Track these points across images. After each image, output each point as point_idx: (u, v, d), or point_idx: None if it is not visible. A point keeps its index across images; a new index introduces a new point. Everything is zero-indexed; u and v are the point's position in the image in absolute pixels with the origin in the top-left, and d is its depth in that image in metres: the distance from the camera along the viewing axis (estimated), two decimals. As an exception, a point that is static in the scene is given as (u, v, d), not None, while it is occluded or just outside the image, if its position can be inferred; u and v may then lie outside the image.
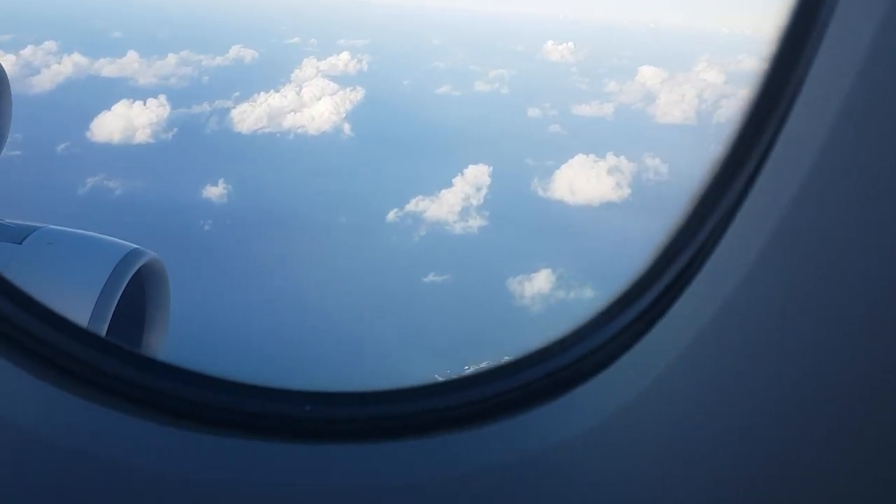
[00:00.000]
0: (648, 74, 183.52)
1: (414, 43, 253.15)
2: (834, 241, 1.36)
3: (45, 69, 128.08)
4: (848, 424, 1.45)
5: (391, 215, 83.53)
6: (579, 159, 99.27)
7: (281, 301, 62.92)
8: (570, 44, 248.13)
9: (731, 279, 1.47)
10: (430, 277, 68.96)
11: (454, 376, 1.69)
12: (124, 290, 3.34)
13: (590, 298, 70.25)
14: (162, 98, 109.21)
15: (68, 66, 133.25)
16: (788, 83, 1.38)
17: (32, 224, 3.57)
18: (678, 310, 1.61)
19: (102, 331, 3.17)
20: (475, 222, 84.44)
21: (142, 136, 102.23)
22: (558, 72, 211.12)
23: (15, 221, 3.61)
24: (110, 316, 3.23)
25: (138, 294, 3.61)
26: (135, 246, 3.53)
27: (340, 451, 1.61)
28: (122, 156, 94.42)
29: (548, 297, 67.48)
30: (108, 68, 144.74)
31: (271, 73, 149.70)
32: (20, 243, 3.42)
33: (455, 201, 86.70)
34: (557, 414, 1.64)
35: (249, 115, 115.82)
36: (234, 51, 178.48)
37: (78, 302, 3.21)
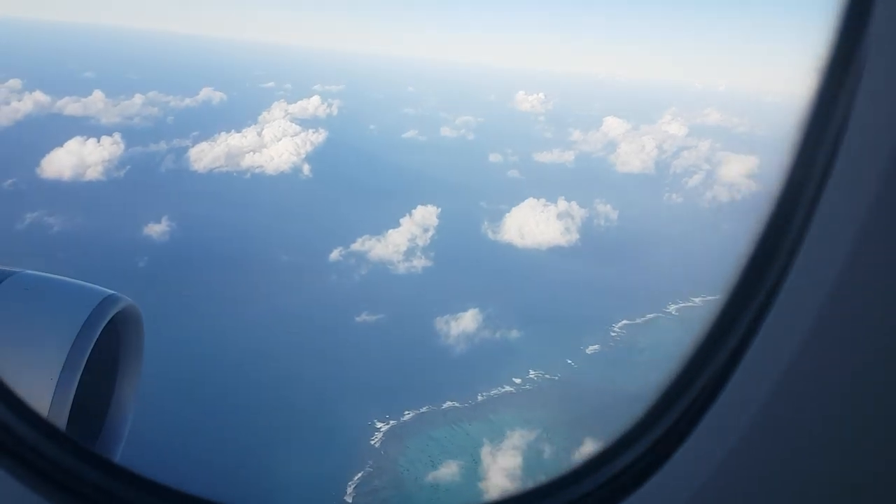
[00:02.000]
0: (612, 125, 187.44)
1: (388, 90, 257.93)
2: (850, 372, 1.31)
3: (5, 106, 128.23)
4: None
5: (335, 254, 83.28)
6: (530, 203, 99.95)
7: (205, 341, 61.86)
8: (541, 94, 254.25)
9: (743, 416, 1.41)
10: (363, 317, 68.45)
11: (500, 497, 1.68)
12: (99, 336, 3.27)
13: (515, 338, 70.00)
14: (116, 136, 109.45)
15: (28, 103, 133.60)
16: (791, 233, 1.34)
17: (8, 269, 3.51)
18: (707, 423, 1.52)
19: (76, 378, 3.12)
20: (420, 262, 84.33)
21: (93, 174, 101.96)
22: (526, 120, 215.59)
23: None
24: (84, 362, 3.16)
25: (113, 340, 3.57)
26: (111, 292, 3.45)
27: None
28: (70, 193, 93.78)
29: (472, 337, 67.03)
30: (71, 106, 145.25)
31: (238, 115, 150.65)
32: None
33: (401, 241, 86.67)
34: None
35: (207, 154, 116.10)
36: (204, 93, 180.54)
37: (52, 348, 3.15)
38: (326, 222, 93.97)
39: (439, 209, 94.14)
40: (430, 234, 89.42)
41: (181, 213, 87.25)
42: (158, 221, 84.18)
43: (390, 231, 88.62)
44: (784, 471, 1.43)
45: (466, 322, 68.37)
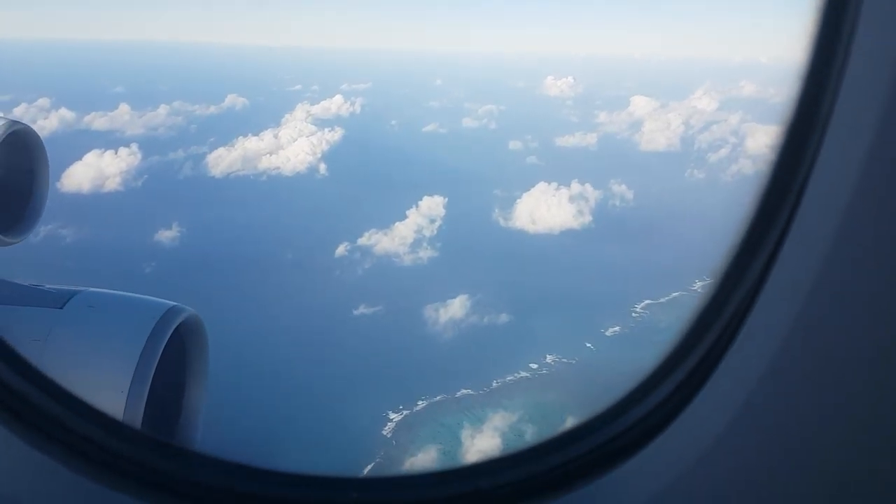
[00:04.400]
0: (640, 104, 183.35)
1: (415, 85, 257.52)
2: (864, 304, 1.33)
3: (32, 125, 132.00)
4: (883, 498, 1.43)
5: (341, 249, 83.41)
6: (541, 188, 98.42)
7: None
8: (570, 78, 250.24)
9: (761, 360, 1.43)
10: (361, 310, 68.33)
11: (490, 457, 1.67)
12: (165, 347, 3.46)
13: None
14: (133, 146, 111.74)
15: (54, 121, 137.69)
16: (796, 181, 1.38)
17: (73, 288, 3.72)
18: (709, 389, 1.55)
19: (145, 389, 3.28)
20: (426, 253, 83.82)
21: (112, 185, 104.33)
22: (553, 105, 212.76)
23: (56, 286, 3.77)
24: (152, 374, 3.33)
25: (179, 350, 3.74)
26: (173, 303, 3.65)
27: None
28: (87, 205, 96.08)
29: (459, 323, 66.27)
30: (98, 121, 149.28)
31: (262, 119, 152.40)
32: (61, 308, 3.57)
33: (407, 234, 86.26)
34: (590, 499, 1.59)
35: (224, 160, 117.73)
36: (229, 100, 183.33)
37: (120, 362, 3.33)
38: (335, 219, 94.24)
39: (446, 199, 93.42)
40: (437, 224, 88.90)
41: (192, 218, 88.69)
42: (169, 227, 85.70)
43: (397, 224, 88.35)
44: (776, 449, 1.46)
45: (456, 309, 67.64)
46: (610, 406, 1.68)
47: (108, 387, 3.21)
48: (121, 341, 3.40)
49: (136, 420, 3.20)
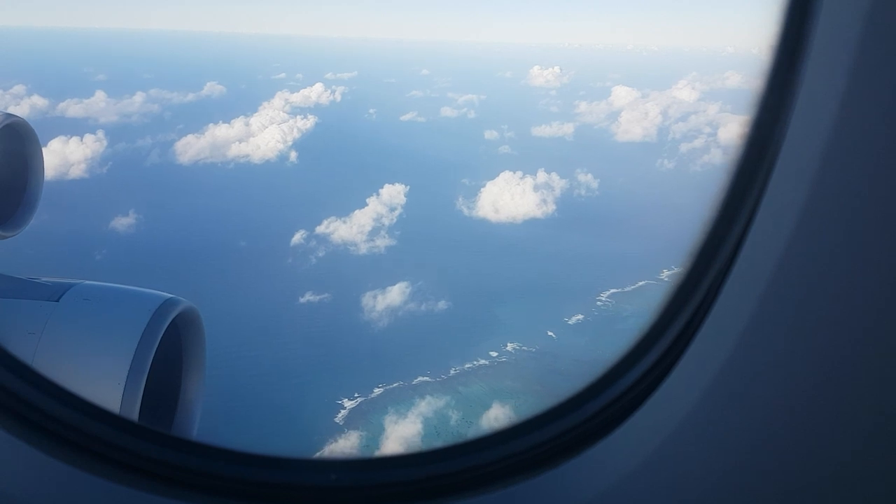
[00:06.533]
0: (620, 94, 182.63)
1: (402, 75, 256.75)
2: (833, 279, 1.37)
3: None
4: (852, 478, 1.47)
5: (297, 237, 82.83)
6: (505, 176, 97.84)
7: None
8: (556, 68, 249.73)
9: (731, 337, 1.47)
10: (307, 297, 67.90)
11: (477, 436, 1.70)
12: (162, 339, 3.46)
13: (442, 310, 68.72)
14: (100, 133, 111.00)
15: (25, 108, 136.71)
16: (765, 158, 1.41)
17: (68, 281, 3.71)
18: (677, 375, 1.60)
19: (142, 380, 3.29)
20: (383, 242, 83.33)
21: (76, 172, 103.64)
22: (536, 95, 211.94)
23: (51, 279, 3.74)
24: (149, 366, 3.33)
25: (175, 342, 3.75)
26: (169, 295, 3.64)
27: None
28: (49, 192, 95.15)
29: (397, 310, 65.96)
30: (73, 108, 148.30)
31: (239, 106, 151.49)
32: (57, 301, 3.57)
33: (366, 222, 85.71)
34: (561, 480, 1.63)
35: (192, 147, 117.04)
36: (208, 87, 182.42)
37: (116, 355, 3.32)
38: (297, 207, 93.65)
39: (407, 187, 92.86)
40: (396, 212, 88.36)
41: (152, 205, 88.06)
42: (126, 215, 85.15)
43: (356, 211, 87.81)
44: (741, 432, 1.50)
45: (395, 296, 67.36)
46: (580, 390, 1.69)
47: (105, 379, 3.21)
48: (117, 334, 3.41)
49: (133, 412, 3.21)
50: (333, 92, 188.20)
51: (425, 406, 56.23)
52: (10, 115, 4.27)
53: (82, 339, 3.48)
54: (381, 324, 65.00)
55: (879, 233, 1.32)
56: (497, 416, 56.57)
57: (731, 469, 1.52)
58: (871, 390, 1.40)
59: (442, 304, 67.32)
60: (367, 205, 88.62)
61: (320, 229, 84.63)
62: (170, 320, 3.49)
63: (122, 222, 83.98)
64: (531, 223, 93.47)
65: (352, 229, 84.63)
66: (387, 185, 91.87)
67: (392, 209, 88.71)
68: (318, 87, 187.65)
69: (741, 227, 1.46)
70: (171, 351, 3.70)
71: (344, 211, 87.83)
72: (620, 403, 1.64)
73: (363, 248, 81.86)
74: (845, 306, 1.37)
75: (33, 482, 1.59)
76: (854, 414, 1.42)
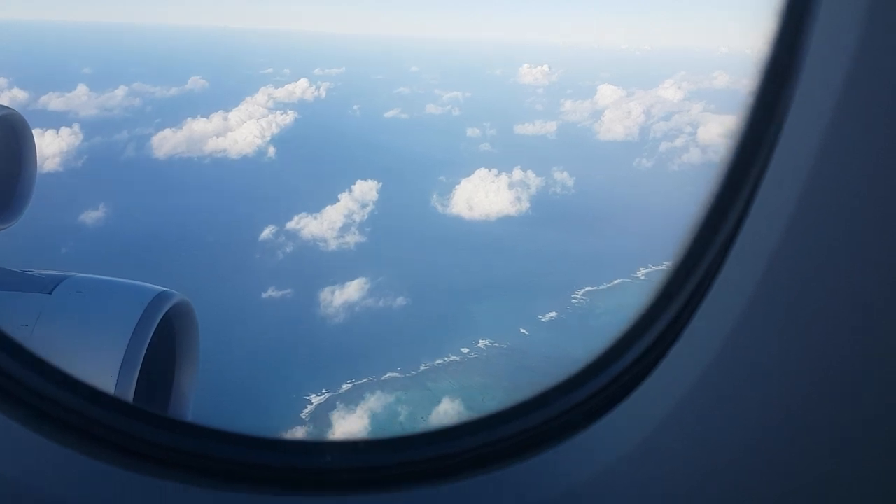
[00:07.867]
0: (605, 93, 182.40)
1: (390, 71, 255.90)
2: (828, 273, 1.38)
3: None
4: (846, 472, 1.48)
5: (266, 232, 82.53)
6: (480, 174, 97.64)
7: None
8: (545, 67, 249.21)
9: (720, 333, 1.48)
10: (270, 293, 67.71)
11: (462, 421, 1.70)
12: (155, 332, 3.46)
13: (399, 306, 68.58)
14: (76, 127, 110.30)
15: (5, 100, 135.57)
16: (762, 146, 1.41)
17: (61, 273, 3.70)
18: (669, 362, 1.60)
19: (135, 374, 3.29)
20: (353, 238, 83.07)
21: (51, 165, 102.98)
22: (522, 92, 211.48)
23: (44, 272, 3.73)
24: (141, 359, 3.33)
25: (168, 336, 3.74)
26: (163, 289, 3.64)
27: (358, 502, 1.63)
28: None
29: (353, 306, 65.82)
30: (54, 102, 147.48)
31: (221, 101, 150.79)
32: (50, 293, 3.55)
33: (337, 218, 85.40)
34: (546, 466, 1.64)
35: (169, 141, 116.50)
36: (192, 82, 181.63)
37: (109, 348, 3.32)
38: (269, 202, 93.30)
39: (380, 184, 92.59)
40: (368, 209, 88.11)
41: (123, 199, 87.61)
42: (96, 208, 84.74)
43: (328, 207, 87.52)
44: (731, 423, 1.51)
45: (352, 292, 67.18)
46: (567, 377, 1.69)
47: (98, 372, 3.21)
48: (110, 326, 3.41)
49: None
50: (318, 88, 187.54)
51: (392, 401, 56.28)
52: (2, 107, 4.30)
53: (75, 331, 3.48)
54: (337, 319, 64.86)
55: (872, 234, 1.32)
56: (456, 412, 56.60)
57: (717, 466, 1.52)
58: (860, 390, 1.40)
59: (400, 301, 67.16)
60: (338, 200, 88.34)
61: (290, 225, 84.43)
62: (163, 313, 3.49)
63: (92, 216, 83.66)
64: (505, 221, 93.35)
65: (322, 225, 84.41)
66: (359, 182, 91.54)
67: (364, 206, 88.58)
68: (303, 82, 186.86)
69: (734, 222, 1.45)
70: (165, 344, 3.71)
71: (315, 207, 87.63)
72: (606, 393, 1.63)
73: (333, 245, 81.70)
74: (836, 307, 1.37)
75: (30, 464, 1.59)
76: (843, 414, 1.42)
